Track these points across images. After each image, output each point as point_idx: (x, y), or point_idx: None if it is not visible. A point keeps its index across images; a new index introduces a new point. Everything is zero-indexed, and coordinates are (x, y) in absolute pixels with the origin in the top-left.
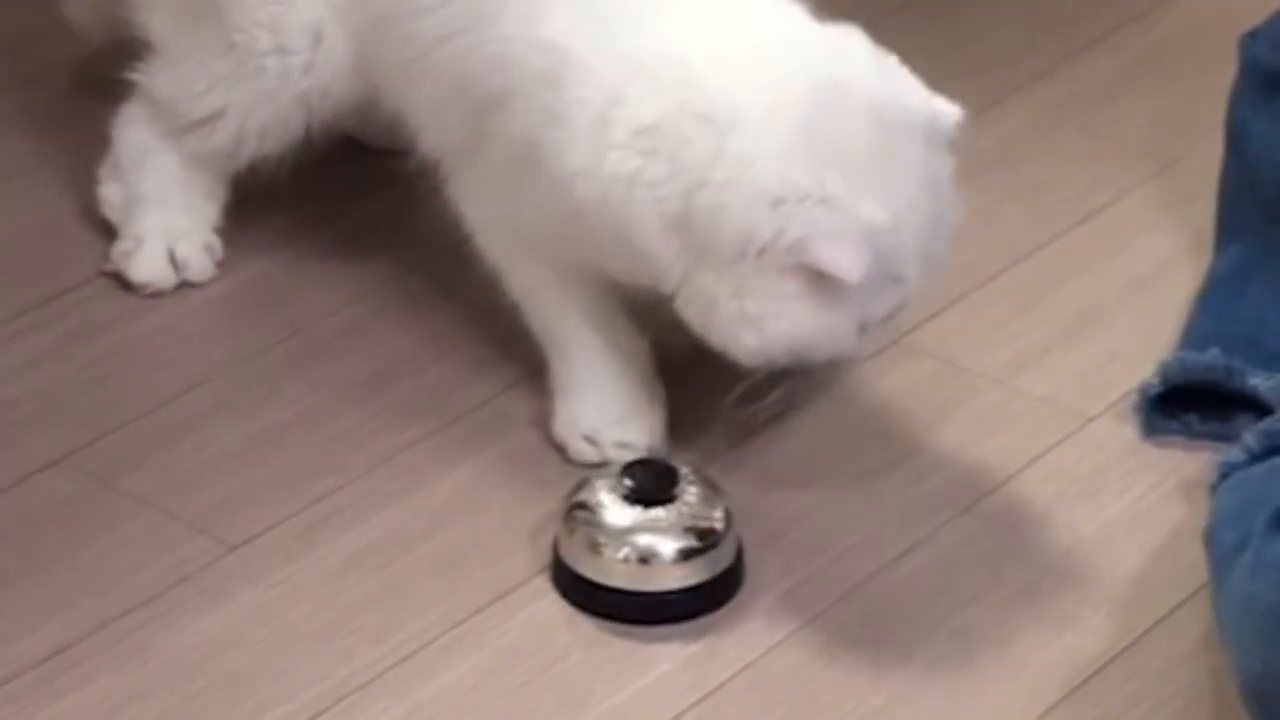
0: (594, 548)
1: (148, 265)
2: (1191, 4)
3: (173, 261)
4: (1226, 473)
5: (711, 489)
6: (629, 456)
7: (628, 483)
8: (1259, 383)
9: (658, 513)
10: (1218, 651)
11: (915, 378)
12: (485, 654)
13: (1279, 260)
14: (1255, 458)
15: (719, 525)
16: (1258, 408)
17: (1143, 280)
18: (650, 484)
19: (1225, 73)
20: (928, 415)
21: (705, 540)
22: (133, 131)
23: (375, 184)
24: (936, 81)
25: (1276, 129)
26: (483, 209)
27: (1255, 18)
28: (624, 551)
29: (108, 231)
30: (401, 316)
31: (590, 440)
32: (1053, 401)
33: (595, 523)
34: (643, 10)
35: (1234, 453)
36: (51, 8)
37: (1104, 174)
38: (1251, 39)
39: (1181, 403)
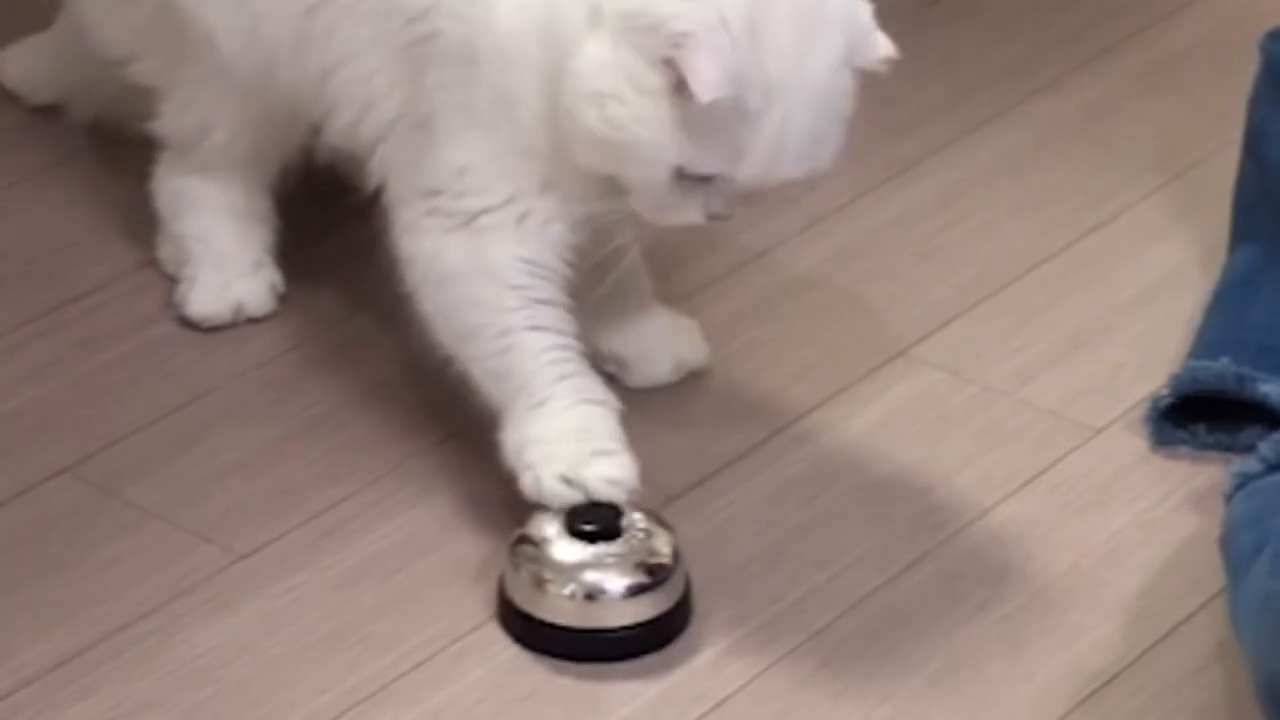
0: (540, 584)
1: (203, 302)
2: (1199, 15)
3: (229, 295)
4: (1242, 483)
5: (659, 523)
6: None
7: (575, 519)
8: (1270, 390)
9: (605, 547)
10: (1229, 662)
11: (922, 389)
12: (492, 665)
13: None
14: (1272, 468)
15: (667, 561)
16: (1268, 416)
17: (1150, 291)
18: (597, 519)
19: (1233, 84)
20: (934, 427)
21: (654, 576)
22: (166, 179)
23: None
24: (944, 92)
25: None
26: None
27: (1265, 28)
28: (570, 588)
29: (114, 240)
30: (406, 327)
31: (568, 480)
32: (1060, 413)
33: (542, 559)
34: None
35: (1250, 463)
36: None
37: (1112, 185)
38: (1272, 39)
39: (1190, 413)
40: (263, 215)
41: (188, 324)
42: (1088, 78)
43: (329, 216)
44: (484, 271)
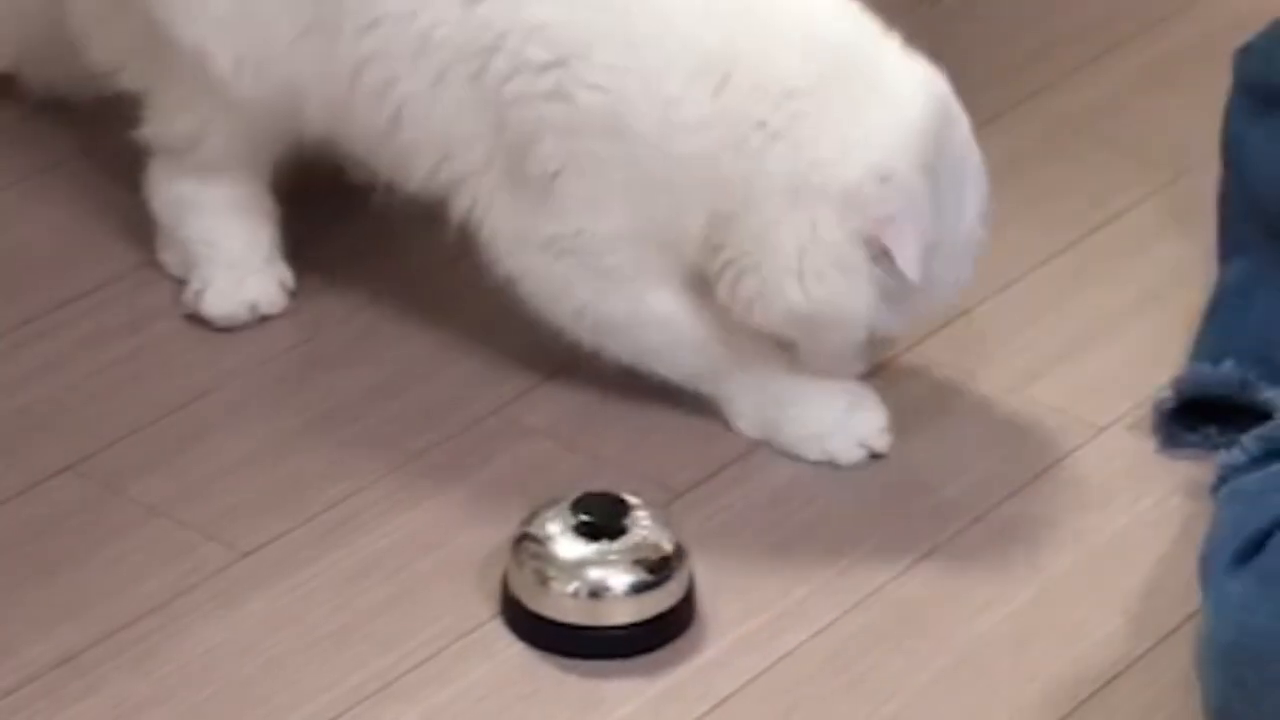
0: (543, 581)
1: (220, 302)
2: (1202, 15)
3: (244, 294)
4: (1225, 475)
5: (663, 519)
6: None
7: (579, 515)
8: (1272, 396)
9: (609, 545)
10: None
11: (927, 388)
12: (496, 662)
13: None
14: (1254, 460)
15: (671, 558)
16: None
17: (1155, 289)
18: (600, 515)
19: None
20: (940, 425)
21: (658, 573)
22: (161, 184)
23: (383, 194)
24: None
25: (1272, 146)
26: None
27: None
28: (574, 585)
29: (118, 237)
30: (412, 323)
31: (864, 444)
32: (1065, 411)
33: (545, 556)
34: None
35: (1234, 454)
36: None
37: (1116, 183)
38: (1244, 54)
39: (1200, 415)
40: (267, 211)
41: (198, 322)
42: (1090, 77)
43: (331, 212)
44: (642, 321)
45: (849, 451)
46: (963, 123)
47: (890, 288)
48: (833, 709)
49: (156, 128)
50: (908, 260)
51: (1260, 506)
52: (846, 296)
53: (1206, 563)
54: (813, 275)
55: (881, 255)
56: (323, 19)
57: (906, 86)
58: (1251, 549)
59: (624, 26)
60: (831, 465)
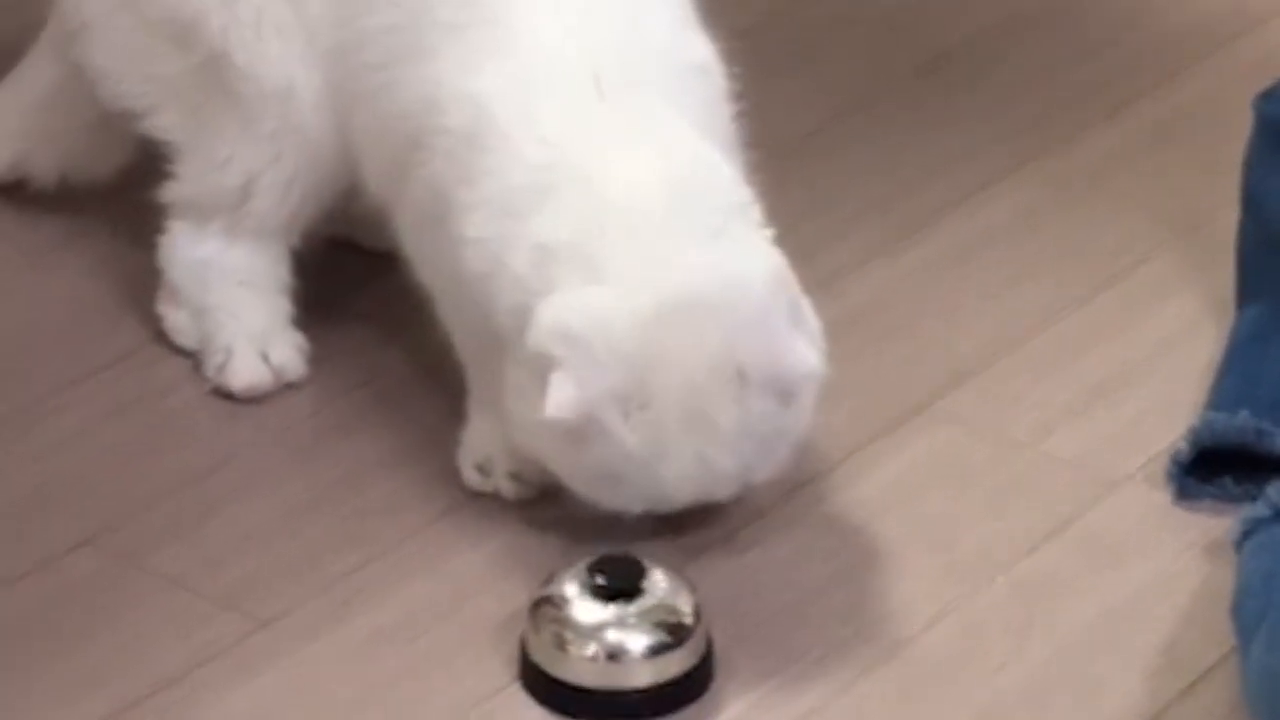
0: (561, 645)
1: (245, 372)
2: (1209, 72)
3: (267, 364)
4: (1250, 530)
5: (680, 580)
6: (520, 491)
7: (595, 578)
8: None
9: (626, 607)
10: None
11: (940, 445)
12: None
13: None
14: (1279, 513)
15: (689, 619)
16: None
17: (1168, 343)
18: (617, 577)
19: (1244, 139)
20: (954, 482)
21: (676, 635)
22: (183, 249)
23: (393, 261)
24: (953, 151)
25: None
26: (409, 246)
27: (1271, 83)
28: (592, 649)
29: (129, 312)
30: (427, 389)
31: (481, 469)
32: (1080, 465)
33: (563, 620)
34: (572, 99)
35: (1258, 508)
36: None
37: (1126, 239)
38: (1266, 99)
39: (1215, 466)
40: (287, 284)
41: (216, 394)
42: (1099, 135)
43: (339, 288)
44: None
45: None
46: (718, 334)
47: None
48: None
49: (191, 185)
50: (552, 398)
51: None
52: (556, 455)
53: (1241, 611)
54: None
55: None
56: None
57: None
58: None
59: None
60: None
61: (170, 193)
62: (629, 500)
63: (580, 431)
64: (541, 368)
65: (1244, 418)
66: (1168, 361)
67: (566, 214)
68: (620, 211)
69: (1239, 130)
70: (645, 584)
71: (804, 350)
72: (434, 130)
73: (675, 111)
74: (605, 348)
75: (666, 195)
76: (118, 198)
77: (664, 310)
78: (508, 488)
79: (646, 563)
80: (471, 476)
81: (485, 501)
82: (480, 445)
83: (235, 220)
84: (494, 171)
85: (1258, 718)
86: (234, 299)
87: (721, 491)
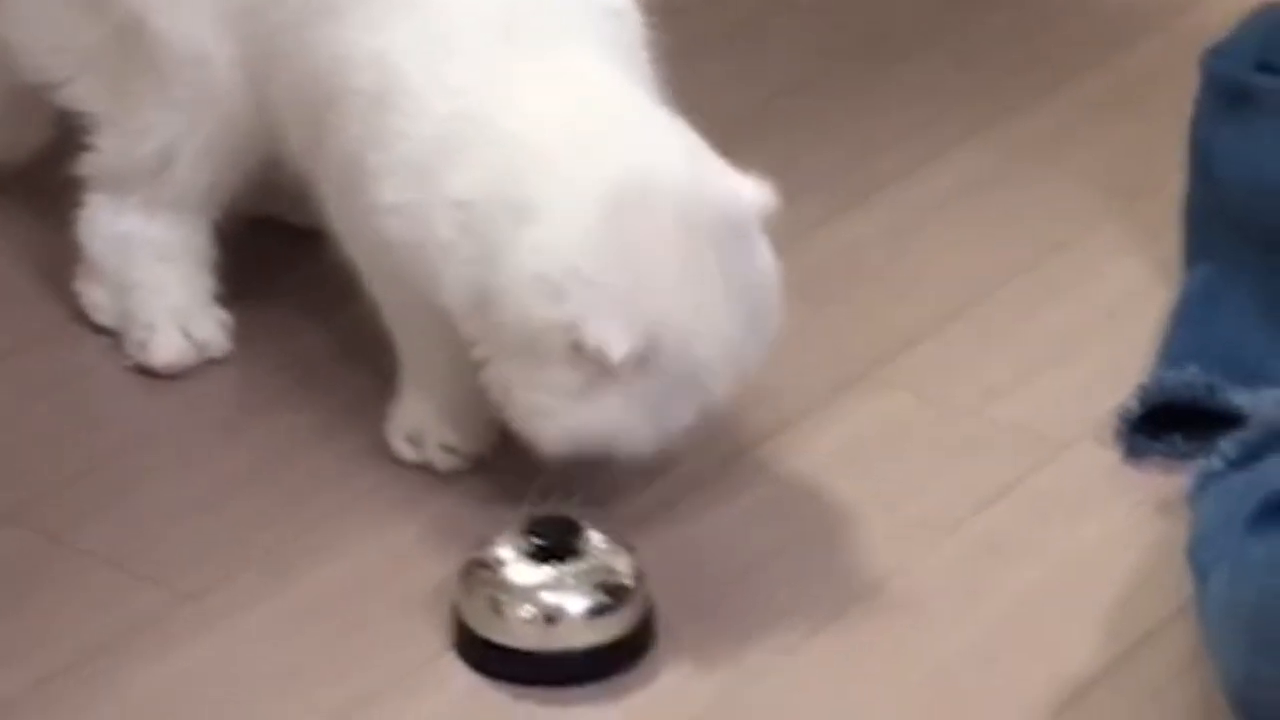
0: (496, 608)
1: (167, 349)
2: (1158, 43)
3: (190, 340)
4: (1204, 484)
5: (618, 542)
6: (451, 462)
7: (531, 539)
8: (1240, 400)
9: (563, 568)
10: (1208, 666)
11: (887, 410)
12: (450, 694)
13: (1249, 278)
14: (1233, 465)
15: (628, 580)
16: (1240, 425)
17: (1115, 309)
18: (554, 538)
19: (1187, 108)
20: (900, 447)
21: (616, 596)
22: (103, 224)
23: (321, 239)
24: (898, 123)
25: (1242, 144)
26: (332, 218)
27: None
28: (528, 610)
29: (52, 291)
30: (353, 369)
31: (411, 441)
32: (1028, 428)
33: (497, 582)
34: (481, 51)
35: (1212, 462)
36: None
37: (1071, 207)
38: (1213, 55)
39: (1164, 424)
40: (208, 258)
41: (139, 372)
42: (1046, 105)
43: (269, 265)
44: None
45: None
46: (670, 200)
47: (622, 381)
48: None
49: (110, 156)
50: (607, 345)
51: (1263, 481)
52: (594, 419)
53: (1198, 553)
54: (553, 412)
55: (598, 368)
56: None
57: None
58: (1271, 512)
59: None
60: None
61: (88, 165)
62: (679, 414)
63: (642, 358)
64: (552, 336)
65: (1194, 373)
66: (1115, 326)
67: (482, 166)
68: (534, 147)
69: (1184, 102)
70: (583, 545)
71: (749, 184)
72: (345, 92)
73: (591, 54)
74: (599, 270)
75: (581, 120)
76: (32, 177)
77: (620, 212)
78: (441, 459)
79: (584, 523)
80: (402, 449)
81: (416, 475)
82: (411, 417)
83: (154, 192)
84: (404, 132)
85: (1220, 655)
86: (155, 274)
87: (753, 363)
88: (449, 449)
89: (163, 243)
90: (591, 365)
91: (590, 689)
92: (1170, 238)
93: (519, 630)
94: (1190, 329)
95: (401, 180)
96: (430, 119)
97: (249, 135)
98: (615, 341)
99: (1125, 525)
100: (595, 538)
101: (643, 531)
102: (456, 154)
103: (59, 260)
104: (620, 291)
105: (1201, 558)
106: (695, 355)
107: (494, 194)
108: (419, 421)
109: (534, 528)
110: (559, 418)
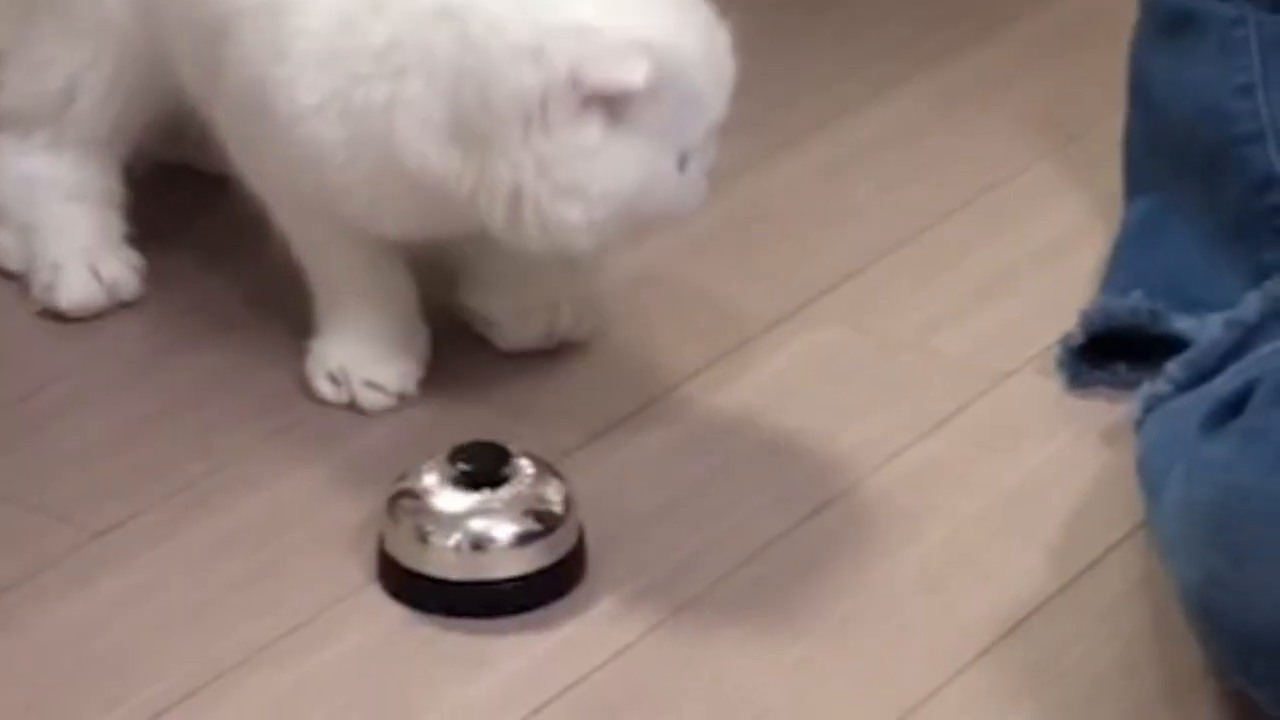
0: (422, 537)
1: (74, 289)
2: None
3: (98, 281)
4: (1151, 406)
5: (548, 469)
6: (376, 399)
7: (458, 466)
8: (1184, 325)
9: (491, 495)
10: (1156, 591)
11: (821, 344)
12: (374, 626)
13: (1191, 206)
14: (1180, 388)
15: (558, 508)
16: (1183, 351)
17: (1053, 245)
18: (481, 464)
19: (1120, 50)
20: (832, 379)
21: (545, 523)
22: (7, 164)
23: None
24: (830, 67)
25: (1181, 71)
26: (240, 156)
27: None
28: (455, 538)
29: None
30: (265, 314)
31: (334, 379)
32: (968, 361)
33: (423, 510)
34: None
35: (1158, 385)
36: None
37: (1007, 148)
38: None
39: (1107, 353)
40: (117, 198)
41: (46, 315)
42: (979, 48)
43: (174, 213)
44: None
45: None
46: None
47: (642, 114)
48: (737, 655)
49: (13, 94)
50: (623, 77)
51: (1211, 393)
52: (620, 170)
53: (1148, 466)
54: (576, 185)
55: (608, 108)
56: None
57: None
58: (1225, 413)
59: None
60: (708, 424)
61: None
62: (691, 137)
63: (651, 79)
64: (557, 97)
65: (1137, 298)
66: (1053, 264)
67: (398, 8)
68: None
69: (1118, 44)
70: (511, 471)
71: None
72: (235, 14)
73: None
74: (574, 17)
75: None
76: None
77: None
78: (366, 397)
79: (512, 449)
80: (323, 387)
81: (337, 413)
82: (333, 355)
83: (60, 129)
84: (304, 28)
85: (1177, 561)
86: (61, 214)
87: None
88: (374, 386)
89: (69, 182)
90: (601, 113)
91: (520, 619)
92: (1107, 177)
93: (446, 559)
94: (1132, 258)
95: (314, 75)
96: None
97: (151, 71)
98: (628, 67)
99: (1069, 453)
100: (524, 464)
101: (570, 464)
102: (368, 13)
103: None
104: (608, 29)
105: (1152, 470)
106: (691, 67)
107: (414, 19)
108: (342, 358)
109: (461, 454)
110: (585, 189)
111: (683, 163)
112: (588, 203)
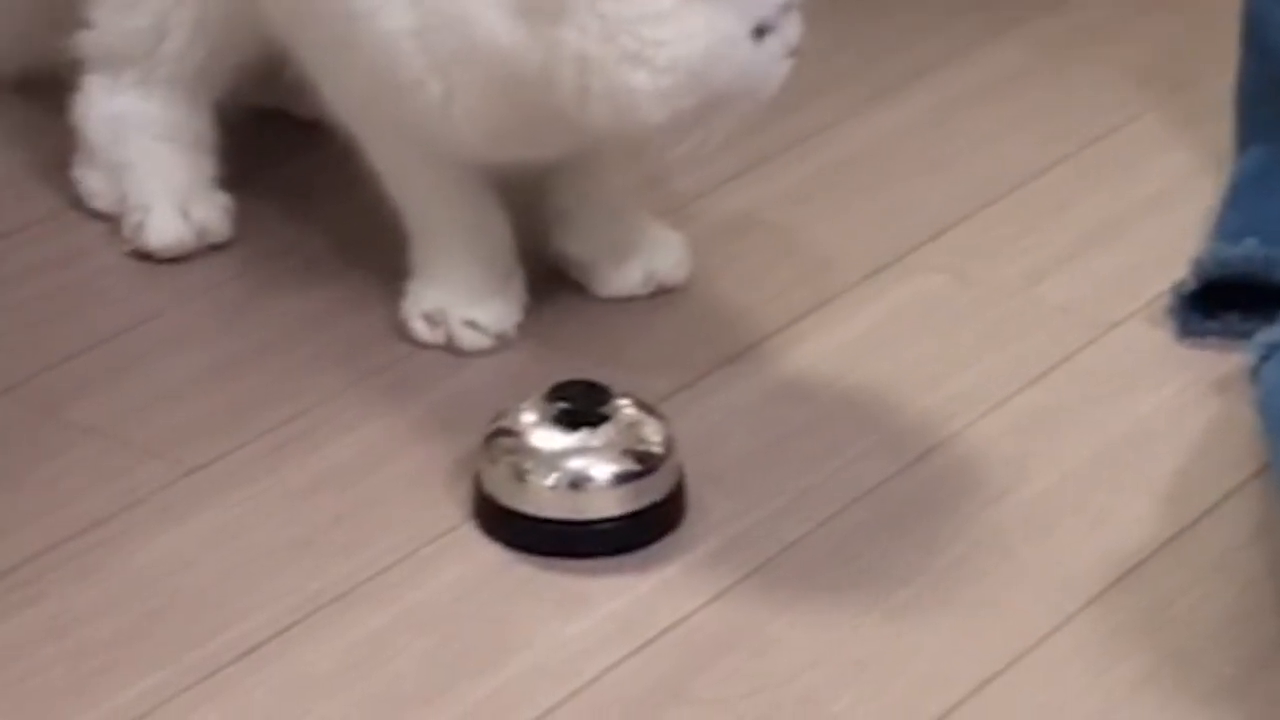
0: (520, 476)
1: (163, 230)
2: None
3: (187, 222)
4: (1268, 354)
5: (648, 410)
6: (475, 339)
7: (557, 404)
8: None
9: (590, 434)
10: (1274, 540)
11: (925, 291)
12: (470, 565)
13: None
14: None
15: (658, 448)
16: None
17: (1160, 196)
18: (580, 404)
19: (1226, 4)
20: (940, 326)
21: (645, 463)
22: (98, 104)
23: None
24: (935, 15)
25: None
26: (328, 85)
27: None
28: (553, 477)
29: (50, 179)
30: (356, 257)
31: (430, 319)
32: (1075, 309)
33: (521, 449)
34: None
35: (1275, 331)
36: None
37: (1114, 98)
38: None
39: (1219, 302)
40: (210, 138)
41: (138, 256)
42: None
43: (269, 155)
44: None
45: None
46: None
47: None
48: (840, 598)
49: (104, 32)
50: None
51: None
52: (691, 34)
53: (1269, 407)
54: (645, 50)
55: None
56: None
57: None
58: None
59: None
60: (809, 370)
61: (84, 44)
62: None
63: None
64: None
65: (1251, 245)
66: (1159, 214)
67: None
68: None
69: None
70: (611, 410)
71: None
72: None
73: None
74: None
75: None
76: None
77: None
78: (465, 336)
79: (612, 389)
80: (420, 329)
81: (430, 354)
82: (430, 295)
83: (149, 69)
84: None
85: None
86: (152, 154)
87: None
88: (473, 326)
89: (159, 122)
90: None
91: (618, 560)
92: (1212, 128)
93: (543, 498)
94: (1246, 206)
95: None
96: None
97: (239, 10)
98: None
99: (1180, 402)
100: (624, 403)
101: (668, 408)
102: None
103: (60, 150)
104: None
105: (1274, 413)
106: None
107: None
108: (439, 299)
109: (560, 393)
110: (652, 55)
111: (759, 35)
112: (654, 70)
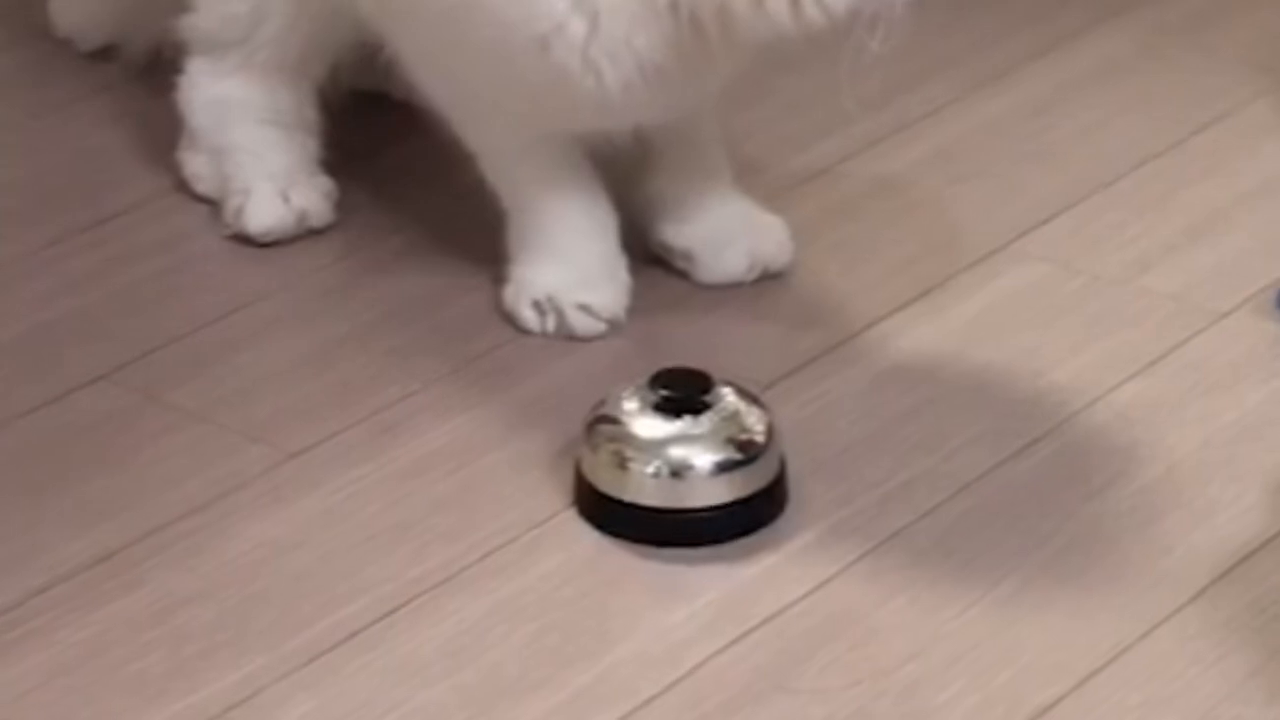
0: (621, 463)
1: (264, 214)
2: None
3: (288, 206)
4: None
5: (750, 398)
6: (589, 324)
7: (659, 392)
8: None
9: (692, 422)
10: None
11: (1029, 280)
12: (570, 552)
13: None
14: None
15: (760, 437)
16: None
17: (1268, 184)
18: (682, 392)
19: None
20: (1044, 315)
21: (746, 452)
22: (201, 87)
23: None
24: (1041, 4)
25: None
26: (430, 72)
27: None
28: (655, 465)
29: (148, 163)
30: (457, 243)
31: (539, 306)
32: (1180, 299)
33: (622, 436)
34: None
35: None
36: None
37: (1218, 87)
38: None
39: None
40: (311, 122)
41: (238, 240)
42: None
43: (373, 139)
44: None
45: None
46: None
47: None
48: (944, 590)
49: (204, 14)
50: None
51: None
52: None
53: None
54: None
55: None
56: None
57: None
58: None
59: None
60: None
61: (187, 27)
62: None
63: None
64: None
65: None
66: (1269, 202)
67: None
68: None
69: None
70: (713, 399)
71: None
72: None
73: None
74: None
75: None
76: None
77: None
78: (579, 320)
79: (714, 376)
80: (527, 315)
81: (528, 341)
82: (539, 281)
83: (250, 53)
84: None
85: None
86: (253, 137)
87: None
88: (587, 310)
89: (261, 106)
90: None
91: (719, 549)
92: None
93: (645, 486)
94: None
95: None
96: None
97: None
98: None
99: None
100: (726, 391)
101: (771, 395)
102: None
103: (165, 134)
104: None
105: None
106: None
107: None
108: (549, 284)
109: (662, 380)
110: None
111: None
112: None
